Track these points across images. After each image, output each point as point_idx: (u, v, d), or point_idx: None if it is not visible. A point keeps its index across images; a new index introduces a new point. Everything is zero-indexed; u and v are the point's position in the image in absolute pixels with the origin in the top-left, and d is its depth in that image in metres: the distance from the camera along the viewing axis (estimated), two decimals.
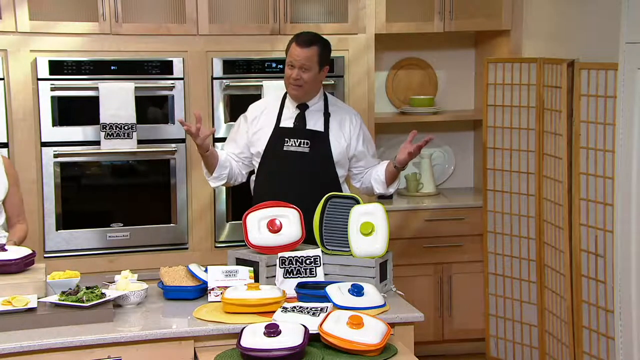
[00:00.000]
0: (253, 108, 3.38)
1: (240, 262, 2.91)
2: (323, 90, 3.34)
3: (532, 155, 3.84)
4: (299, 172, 3.23)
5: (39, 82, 3.80)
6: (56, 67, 3.81)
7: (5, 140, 3.77)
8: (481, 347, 4.25)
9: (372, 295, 2.71)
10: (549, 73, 3.67)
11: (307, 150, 3.23)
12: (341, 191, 3.25)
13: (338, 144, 3.27)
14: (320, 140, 3.25)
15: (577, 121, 3.45)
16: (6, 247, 2.86)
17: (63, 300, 2.57)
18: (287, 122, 3.28)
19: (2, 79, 3.75)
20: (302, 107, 3.28)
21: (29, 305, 2.54)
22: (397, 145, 4.79)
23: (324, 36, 3.28)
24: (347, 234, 2.91)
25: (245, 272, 2.81)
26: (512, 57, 4.25)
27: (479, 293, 4.24)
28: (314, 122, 3.27)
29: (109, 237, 3.95)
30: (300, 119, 3.27)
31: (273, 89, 3.92)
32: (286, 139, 3.25)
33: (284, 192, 3.11)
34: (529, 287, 3.91)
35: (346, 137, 3.29)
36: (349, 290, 2.69)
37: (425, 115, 4.59)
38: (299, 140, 3.24)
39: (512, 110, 3.93)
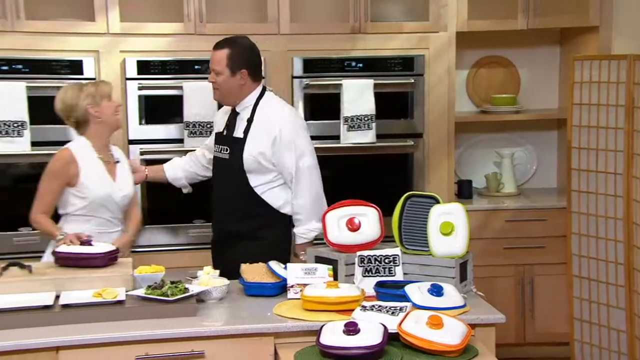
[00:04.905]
0: (217, 112, 3.52)
1: (320, 260, 2.93)
2: (259, 95, 3.27)
3: (620, 155, 3.71)
4: (220, 178, 3.33)
5: (127, 81, 3.91)
6: (143, 67, 3.92)
7: None
8: (565, 351, 4.14)
9: (452, 295, 2.68)
10: None
11: (227, 156, 3.27)
12: (257, 199, 3.23)
13: (250, 152, 3.21)
14: (238, 146, 3.25)
15: None
16: (92, 242, 2.95)
17: (149, 294, 2.65)
18: (220, 126, 3.37)
19: (94, 79, 3.88)
20: (234, 113, 3.31)
21: (118, 298, 2.63)
22: (477, 144, 4.74)
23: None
24: (426, 234, 2.89)
25: (325, 270, 2.82)
26: (601, 55, 4.12)
27: (562, 295, 4.13)
28: (241, 129, 3.27)
29: (189, 233, 4.03)
30: (229, 124, 3.31)
31: (352, 87, 3.93)
32: (215, 145, 3.35)
33: (214, 197, 3.32)
34: (617, 291, 3.78)
35: (264, 144, 3.21)
36: (428, 290, 2.67)
37: (507, 114, 4.51)
38: (221, 147, 3.31)
39: (599, 108, 3.80)
